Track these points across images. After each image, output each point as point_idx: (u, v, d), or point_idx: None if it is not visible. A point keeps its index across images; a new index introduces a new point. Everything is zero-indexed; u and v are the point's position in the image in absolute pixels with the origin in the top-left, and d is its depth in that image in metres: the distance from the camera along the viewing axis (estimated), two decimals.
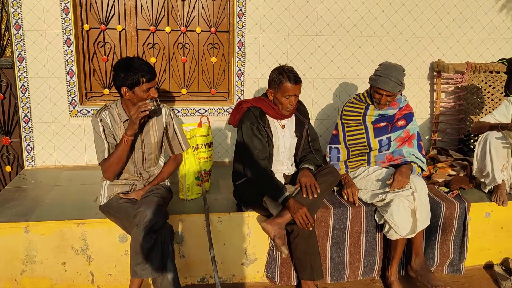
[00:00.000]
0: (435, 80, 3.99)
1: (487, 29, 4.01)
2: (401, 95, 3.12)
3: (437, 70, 3.93)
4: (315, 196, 2.62)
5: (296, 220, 2.54)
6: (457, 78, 3.92)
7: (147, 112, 2.43)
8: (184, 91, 3.84)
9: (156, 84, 2.62)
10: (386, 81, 2.87)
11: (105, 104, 2.61)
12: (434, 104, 4.04)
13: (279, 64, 2.81)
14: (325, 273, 2.94)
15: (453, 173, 3.43)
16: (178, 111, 3.74)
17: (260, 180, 2.69)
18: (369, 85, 3.03)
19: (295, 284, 2.91)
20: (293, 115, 2.91)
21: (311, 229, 2.56)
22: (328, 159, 3.21)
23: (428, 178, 3.44)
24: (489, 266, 3.20)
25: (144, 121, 2.56)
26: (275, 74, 2.73)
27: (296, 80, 2.68)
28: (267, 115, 2.80)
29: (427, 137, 4.17)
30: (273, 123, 2.84)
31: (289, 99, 2.70)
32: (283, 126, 2.87)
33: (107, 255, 2.74)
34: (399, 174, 2.77)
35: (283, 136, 2.86)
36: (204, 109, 3.78)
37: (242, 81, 3.80)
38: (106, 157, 2.53)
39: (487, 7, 3.96)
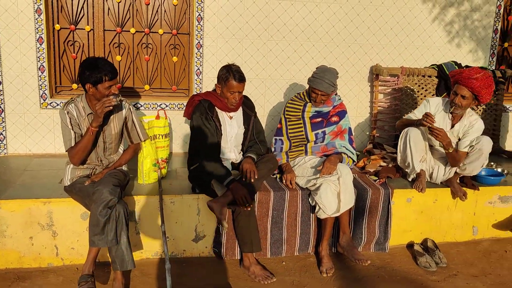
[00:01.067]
0: (374, 82, 4.46)
1: (421, 38, 4.50)
2: (335, 95, 3.56)
3: (375, 74, 4.39)
4: (253, 180, 3.04)
5: (237, 200, 2.95)
6: (393, 81, 4.39)
7: (111, 108, 2.79)
8: (147, 87, 4.21)
9: (118, 81, 2.96)
10: (321, 82, 3.30)
11: (71, 98, 2.95)
12: (373, 104, 4.50)
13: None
14: (265, 249, 3.35)
15: (384, 164, 3.89)
16: (141, 106, 4.11)
17: (208, 164, 3.09)
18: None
19: (238, 258, 3.30)
20: (241, 109, 3.32)
21: (249, 209, 2.97)
22: (273, 149, 3.62)
23: (362, 169, 3.90)
24: (411, 246, 3.65)
25: (107, 114, 2.91)
26: (223, 71, 3.13)
27: (241, 78, 3.09)
28: (215, 107, 3.21)
29: (367, 133, 4.63)
30: (222, 114, 3.24)
31: (233, 95, 3.10)
32: (231, 117, 3.28)
33: (70, 231, 3.08)
34: (328, 161, 3.21)
35: (230, 126, 3.27)
36: (165, 104, 4.16)
37: (200, 80, 4.19)
38: (73, 145, 2.88)
39: (421, 18, 4.45)
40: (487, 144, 3.33)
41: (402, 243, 3.67)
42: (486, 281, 3.21)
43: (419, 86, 4.43)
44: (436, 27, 4.50)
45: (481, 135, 3.41)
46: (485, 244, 3.77)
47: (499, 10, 4.55)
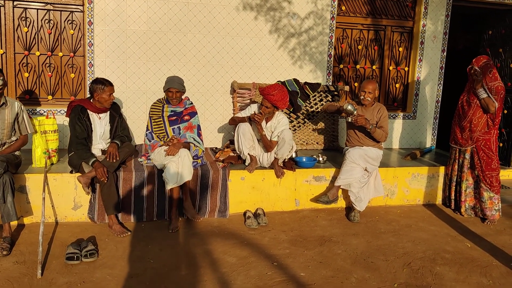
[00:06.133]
0: (233, 94, 5.72)
1: (270, 61, 5.83)
2: (187, 99, 4.78)
3: (232, 88, 5.67)
4: (115, 160, 4.20)
5: (96, 174, 4.08)
6: (248, 93, 5.67)
7: None
8: (50, 97, 5.33)
9: (1, 75, 3.94)
10: (173, 83, 4.51)
11: None
12: (234, 111, 5.75)
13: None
14: (129, 215, 4.46)
15: (232, 154, 5.11)
16: (44, 111, 5.20)
17: (78, 151, 4.22)
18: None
19: (107, 221, 4.39)
20: (108, 112, 4.49)
21: (105, 181, 4.10)
22: (146, 139, 4.76)
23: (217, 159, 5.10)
24: (246, 213, 4.84)
25: (2, 104, 3.98)
26: (98, 84, 4.26)
27: (111, 83, 4.29)
28: (88, 110, 4.36)
29: (232, 133, 5.87)
30: (93, 115, 4.39)
31: (111, 96, 4.28)
32: (100, 118, 4.43)
33: None
34: (172, 145, 4.40)
35: (99, 124, 4.43)
36: (64, 110, 5.26)
37: None
38: None
39: (269, 45, 5.79)
40: (287, 134, 4.62)
41: (239, 211, 4.84)
42: (289, 234, 4.40)
43: None
44: (282, 53, 5.85)
45: (287, 128, 4.72)
46: (304, 212, 4.99)
47: (331, 40, 5.96)
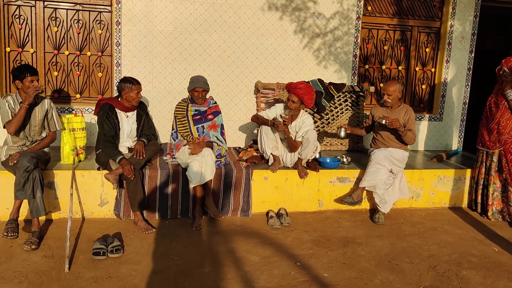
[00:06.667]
0: (257, 94, 5.74)
1: (295, 61, 5.83)
2: (211, 99, 4.82)
3: (256, 88, 5.68)
4: (141, 158, 4.26)
5: (124, 172, 4.15)
6: (272, 93, 5.68)
7: (39, 91, 3.98)
8: (78, 96, 5.44)
9: (39, 77, 4.08)
10: (198, 82, 4.54)
11: (8, 94, 4.14)
12: (257, 111, 5.76)
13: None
14: (154, 213, 4.52)
15: (255, 154, 5.12)
16: (73, 110, 5.32)
17: (105, 148, 4.29)
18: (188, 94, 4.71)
19: (132, 218, 4.46)
20: (136, 110, 4.55)
21: (132, 178, 4.16)
22: (172, 139, 4.82)
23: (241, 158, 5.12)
24: (268, 213, 4.84)
25: (32, 104, 4.08)
26: (126, 83, 4.33)
27: (139, 82, 4.36)
28: (116, 108, 4.43)
29: (254, 132, 5.88)
30: (120, 114, 4.47)
31: (139, 94, 4.35)
32: (127, 116, 4.50)
33: (5, 195, 4.22)
34: (196, 144, 4.44)
35: (127, 123, 4.49)
36: (92, 109, 5.37)
37: None
38: (10, 119, 4.03)
39: (294, 45, 5.78)
40: (312, 135, 4.60)
41: (262, 211, 4.85)
42: (312, 234, 4.39)
43: None
44: (307, 53, 5.83)
45: (312, 129, 4.70)
46: (328, 213, 4.97)
47: (356, 40, 5.92)
